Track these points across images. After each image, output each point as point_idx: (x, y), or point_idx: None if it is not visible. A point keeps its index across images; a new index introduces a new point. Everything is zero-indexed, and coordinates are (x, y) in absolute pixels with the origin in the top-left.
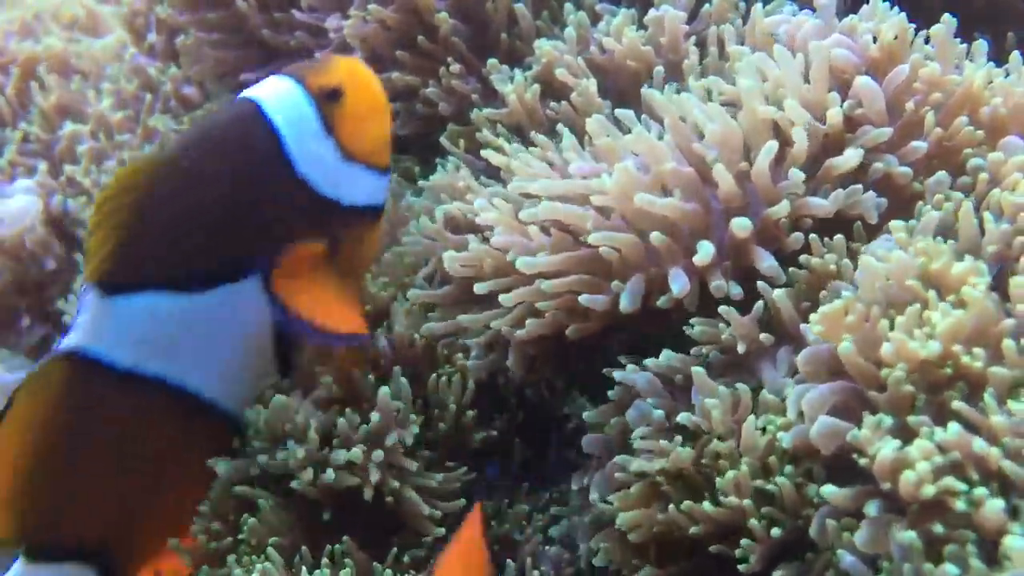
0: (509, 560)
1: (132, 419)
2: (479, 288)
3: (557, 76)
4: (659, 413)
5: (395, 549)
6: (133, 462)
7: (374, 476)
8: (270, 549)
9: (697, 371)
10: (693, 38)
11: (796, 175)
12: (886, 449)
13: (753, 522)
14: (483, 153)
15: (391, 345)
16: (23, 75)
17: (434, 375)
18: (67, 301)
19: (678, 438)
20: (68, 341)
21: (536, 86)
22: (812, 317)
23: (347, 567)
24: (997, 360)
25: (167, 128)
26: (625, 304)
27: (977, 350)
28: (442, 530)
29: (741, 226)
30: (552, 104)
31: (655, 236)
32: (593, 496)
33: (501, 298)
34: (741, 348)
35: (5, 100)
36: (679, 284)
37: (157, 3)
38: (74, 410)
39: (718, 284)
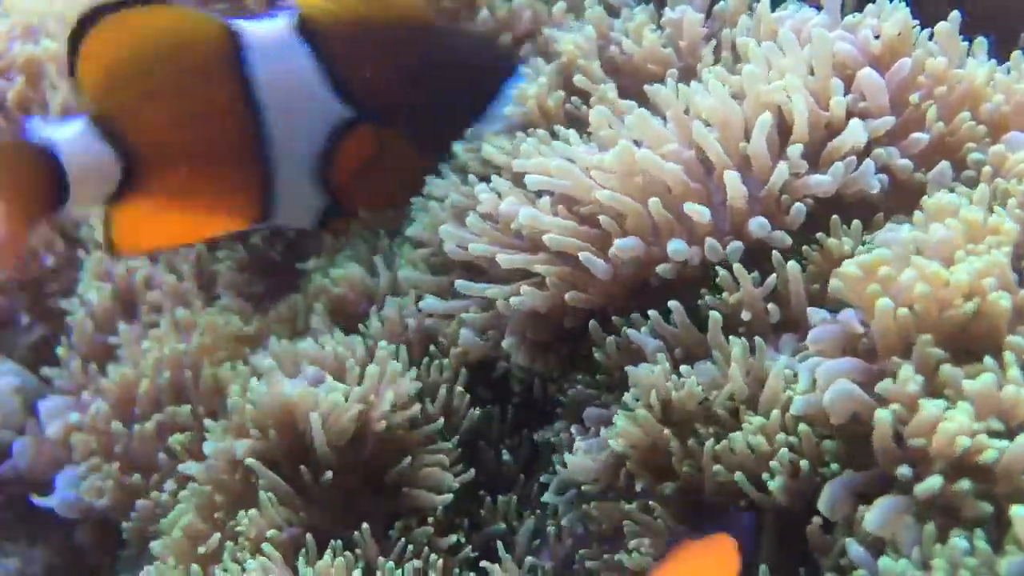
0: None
1: (224, 109)
2: (473, 248)
3: (576, 84)
4: (663, 366)
5: (403, 540)
6: (197, 129)
7: (385, 404)
8: (266, 545)
9: (715, 316)
10: (713, 41)
11: (795, 150)
12: (931, 406)
13: (783, 453)
14: (484, 153)
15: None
16: (27, 78)
17: (426, 358)
18: (68, 300)
19: (692, 378)
20: (244, 24)
21: (560, 92)
22: (847, 262)
23: (343, 559)
24: (1014, 323)
25: None
26: (622, 245)
27: (1003, 292)
28: (449, 497)
29: (731, 181)
30: (574, 99)
31: (652, 203)
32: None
33: (499, 258)
34: (746, 315)
35: (9, 104)
36: (676, 246)
37: None
38: (201, 63)
39: (712, 244)
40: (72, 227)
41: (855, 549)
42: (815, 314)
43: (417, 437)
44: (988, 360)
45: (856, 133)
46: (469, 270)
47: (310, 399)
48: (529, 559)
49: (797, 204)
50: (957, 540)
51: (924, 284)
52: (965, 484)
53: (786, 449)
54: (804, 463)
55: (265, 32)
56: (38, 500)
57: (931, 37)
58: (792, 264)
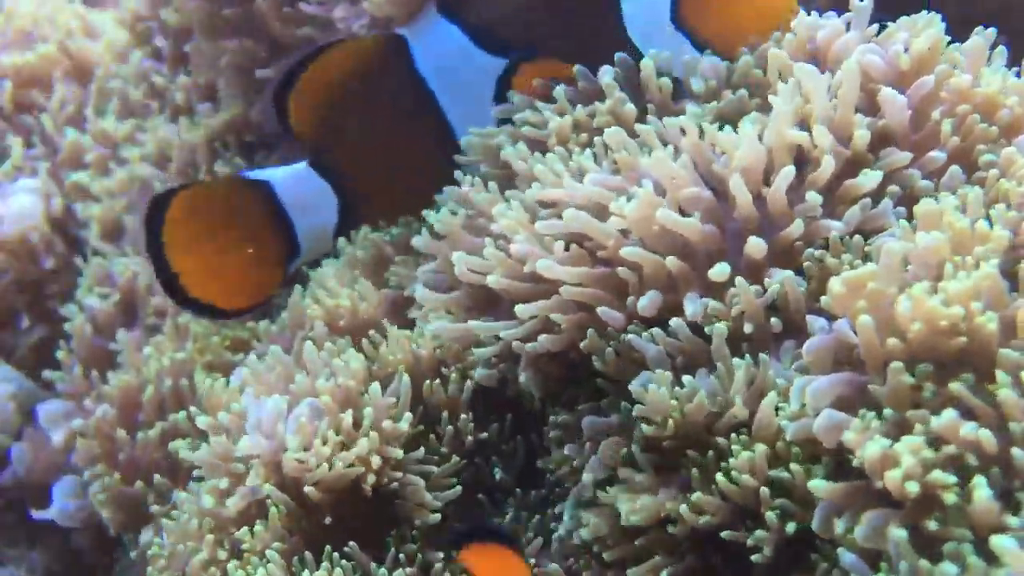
0: None
1: (408, 111)
2: (491, 280)
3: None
4: (667, 375)
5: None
6: (394, 142)
7: (376, 462)
8: (271, 552)
9: (719, 328)
10: None
11: (813, 198)
12: (872, 447)
13: (770, 515)
14: (503, 155)
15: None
16: (20, 84)
17: (429, 381)
18: (67, 306)
19: (701, 392)
20: (404, 29)
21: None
22: (833, 279)
23: (341, 569)
24: (1006, 338)
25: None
26: (643, 305)
27: (990, 313)
28: (437, 516)
29: (756, 245)
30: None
31: (671, 260)
32: (587, 477)
33: (517, 309)
34: (748, 328)
35: (4, 109)
36: (694, 306)
37: (161, 6)
38: (378, 76)
39: (733, 297)
40: (72, 232)
41: (848, 557)
42: (815, 322)
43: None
44: (954, 386)
45: (872, 179)
46: (477, 294)
47: (303, 462)
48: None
49: (809, 250)
50: (946, 566)
51: (919, 323)
52: (932, 525)
53: (771, 513)
54: (791, 526)
55: (420, 25)
56: (37, 514)
57: (950, 44)
58: (788, 274)
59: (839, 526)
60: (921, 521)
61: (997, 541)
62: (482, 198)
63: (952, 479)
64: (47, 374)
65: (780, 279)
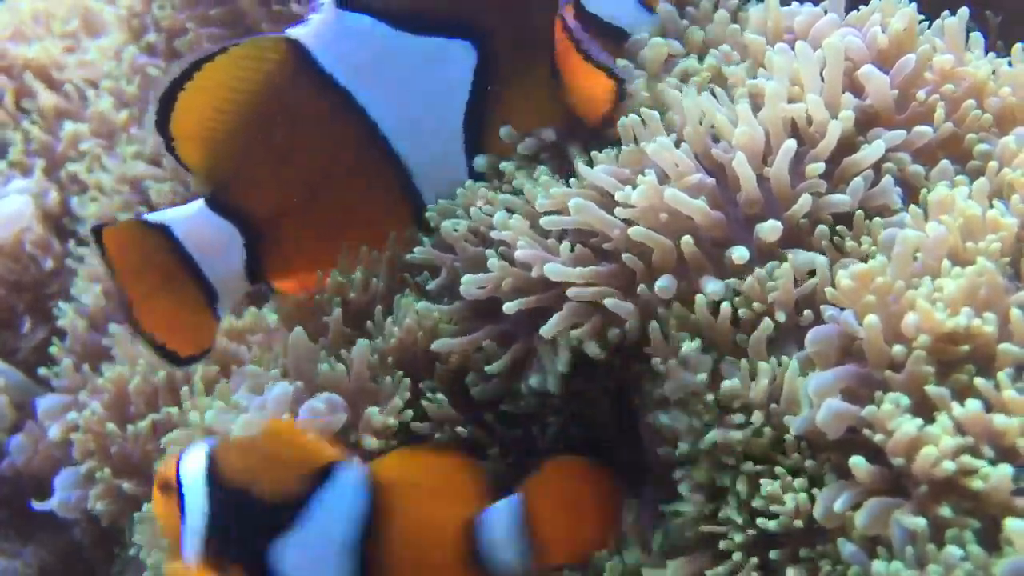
0: None
1: (318, 119)
2: (508, 308)
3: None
4: (702, 377)
5: None
6: (307, 159)
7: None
8: None
9: (758, 332)
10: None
11: (815, 169)
12: (907, 425)
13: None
14: (514, 183)
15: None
16: (20, 78)
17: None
18: (68, 303)
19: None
20: (296, 31)
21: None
22: (841, 273)
23: None
24: (1006, 330)
25: None
26: (661, 287)
27: (988, 315)
28: None
29: (771, 229)
30: None
31: (684, 241)
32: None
33: (543, 331)
34: (781, 316)
35: (4, 105)
36: (715, 286)
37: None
38: (278, 89)
39: (751, 283)
40: (70, 227)
41: (848, 548)
42: (828, 311)
43: None
44: (979, 381)
45: (876, 152)
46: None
47: None
48: None
49: (821, 227)
50: (951, 548)
51: (925, 335)
52: (946, 512)
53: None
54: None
55: (318, 25)
56: (38, 505)
57: (930, 25)
58: (822, 260)
59: (840, 505)
60: (934, 508)
61: (1010, 524)
62: (482, 210)
63: (982, 463)
64: (43, 371)
65: (815, 265)
